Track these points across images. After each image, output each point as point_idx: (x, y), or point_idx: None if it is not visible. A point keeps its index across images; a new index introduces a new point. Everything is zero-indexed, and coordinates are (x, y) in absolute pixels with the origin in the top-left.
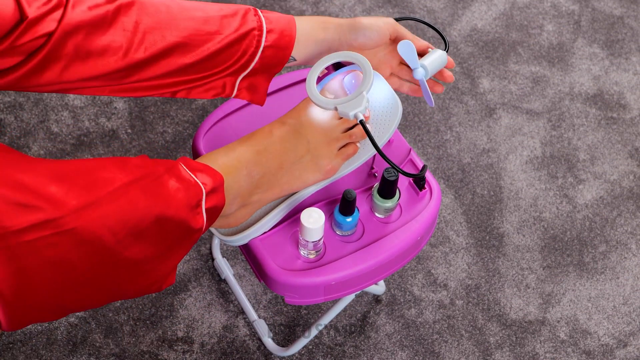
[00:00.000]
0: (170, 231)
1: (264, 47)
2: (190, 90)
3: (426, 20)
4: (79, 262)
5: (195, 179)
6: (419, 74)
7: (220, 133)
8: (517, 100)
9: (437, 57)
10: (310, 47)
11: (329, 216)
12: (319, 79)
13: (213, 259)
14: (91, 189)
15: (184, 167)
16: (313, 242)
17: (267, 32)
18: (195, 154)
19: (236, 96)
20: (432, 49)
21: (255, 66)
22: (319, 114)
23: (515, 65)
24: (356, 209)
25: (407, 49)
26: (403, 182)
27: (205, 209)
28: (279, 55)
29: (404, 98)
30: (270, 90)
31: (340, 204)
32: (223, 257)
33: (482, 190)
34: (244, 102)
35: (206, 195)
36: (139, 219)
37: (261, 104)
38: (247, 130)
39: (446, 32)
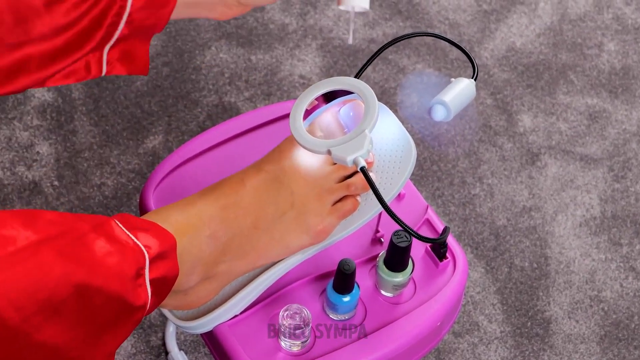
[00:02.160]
0: (99, 307)
1: (130, 13)
2: (43, 80)
3: (448, 37)
4: None
5: (135, 240)
6: (439, 114)
7: (177, 185)
8: (569, 143)
9: (462, 90)
10: None
11: (320, 294)
12: (307, 113)
13: (167, 353)
14: None
15: (120, 225)
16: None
17: None
18: (143, 211)
19: (108, 72)
20: (453, 78)
21: (122, 33)
22: (307, 159)
23: (566, 97)
24: (356, 285)
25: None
26: (418, 250)
27: (151, 281)
28: (155, 16)
29: (419, 139)
30: (242, 127)
31: (335, 278)
32: (180, 349)
33: (522, 261)
34: (207, 144)
35: (151, 261)
36: (53, 290)
37: (144, 72)
38: (213, 180)
39: (474, 52)
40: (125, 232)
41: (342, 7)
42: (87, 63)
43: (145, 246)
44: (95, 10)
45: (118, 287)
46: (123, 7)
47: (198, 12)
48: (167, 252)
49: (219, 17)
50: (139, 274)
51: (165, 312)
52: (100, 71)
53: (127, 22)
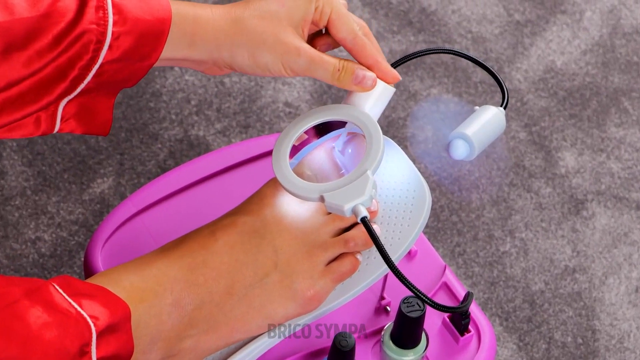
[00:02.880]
0: None
1: (101, 64)
2: None
3: (471, 54)
4: None
5: (79, 309)
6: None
7: (131, 240)
8: (622, 188)
9: (488, 121)
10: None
11: None
12: (294, 150)
13: None
14: None
15: (60, 290)
16: None
17: (115, 36)
18: (89, 273)
19: (61, 130)
20: (477, 107)
21: (87, 86)
22: (294, 207)
23: (619, 130)
24: None
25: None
26: (433, 322)
27: (98, 359)
28: (130, 69)
29: (435, 182)
30: (212, 168)
31: (330, 357)
32: None
33: (564, 335)
34: (169, 189)
35: (98, 336)
36: None
37: (104, 133)
38: (176, 233)
39: (504, 74)
40: (67, 299)
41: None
42: (37, 117)
43: (91, 317)
44: (62, 59)
45: None
46: (95, 58)
47: (181, 64)
48: (119, 324)
49: (207, 73)
50: (84, 351)
51: None
52: (52, 128)
53: (95, 75)
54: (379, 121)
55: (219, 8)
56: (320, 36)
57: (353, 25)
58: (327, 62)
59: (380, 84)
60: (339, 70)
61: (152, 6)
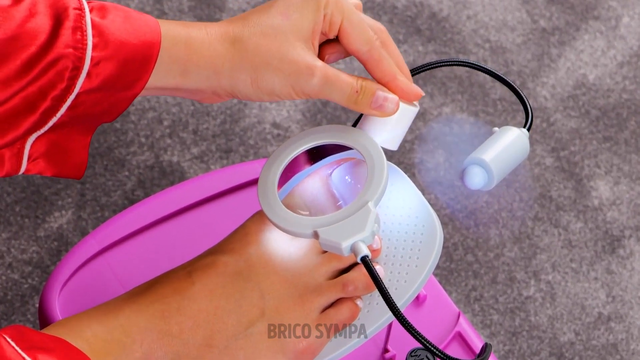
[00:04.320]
0: None
1: (78, 94)
2: None
3: (489, 67)
4: None
5: None
6: (476, 180)
7: (94, 283)
8: None
9: (510, 145)
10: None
11: None
12: (284, 178)
13: None
14: None
15: (11, 343)
16: None
17: (94, 62)
18: (45, 321)
19: (28, 171)
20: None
21: (61, 119)
22: (284, 245)
23: None
24: None
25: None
26: None
27: None
28: (110, 101)
29: (448, 216)
30: (189, 199)
31: None
32: None
33: None
34: (138, 223)
35: None
36: None
37: (77, 176)
38: (146, 275)
39: (528, 90)
40: (20, 354)
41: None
42: (0, 156)
43: None
44: (31, 89)
45: None
46: (70, 87)
47: (173, 94)
48: None
49: (203, 101)
50: None
51: None
52: (17, 169)
53: (70, 107)
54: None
55: (214, 27)
56: (329, 44)
57: (368, 35)
58: (343, 82)
59: (400, 105)
60: (357, 92)
61: (138, 27)
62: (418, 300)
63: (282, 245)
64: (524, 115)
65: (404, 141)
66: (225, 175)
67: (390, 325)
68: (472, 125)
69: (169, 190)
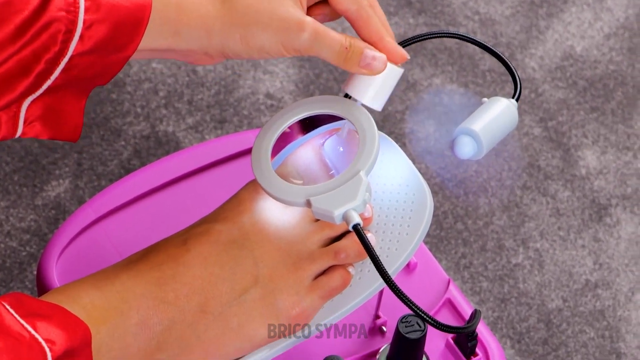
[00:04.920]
0: None
1: (71, 57)
2: None
3: (478, 38)
4: None
5: (32, 331)
6: (466, 150)
7: (91, 251)
8: None
9: (499, 115)
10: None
11: None
12: (278, 147)
13: None
14: None
15: (10, 310)
16: None
17: (87, 24)
18: (42, 288)
19: (24, 134)
20: (486, 99)
21: (54, 83)
22: (277, 214)
23: None
24: None
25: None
26: (436, 343)
27: None
28: (103, 63)
29: (438, 185)
30: (184, 169)
31: None
32: None
33: None
34: (134, 192)
35: None
36: None
37: (73, 139)
38: (142, 243)
39: (516, 61)
40: (19, 321)
41: (348, 91)
42: None
43: (47, 341)
44: (25, 52)
45: None
46: (64, 50)
47: (165, 56)
48: (78, 349)
49: (195, 63)
50: None
51: None
52: (14, 132)
53: (64, 69)
54: (373, 115)
55: None
56: (317, 5)
57: None
58: (333, 38)
59: (388, 65)
60: (346, 49)
61: None
62: (409, 268)
63: (275, 213)
64: (513, 86)
65: (395, 111)
66: (219, 145)
67: (381, 292)
68: (462, 96)
69: (165, 160)
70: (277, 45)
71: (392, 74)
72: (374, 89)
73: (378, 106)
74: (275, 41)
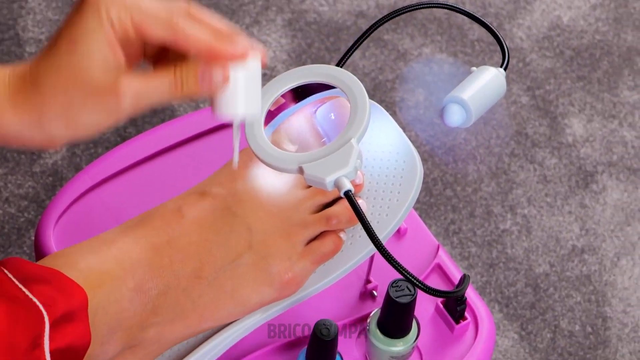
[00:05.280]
0: None
1: None
2: None
3: (467, 9)
4: None
5: (30, 295)
6: (455, 118)
7: (88, 217)
8: (636, 158)
9: (487, 84)
10: None
11: None
12: (270, 116)
13: None
14: None
15: (8, 275)
16: None
17: None
18: (40, 253)
19: None
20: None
21: None
22: (270, 181)
23: (633, 93)
24: (338, 357)
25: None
26: (425, 308)
27: (52, 352)
28: None
29: (427, 152)
30: (178, 136)
31: (309, 347)
32: None
33: (572, 323)
34: (130, 159)
35: (52, 326)
36: None
37: None
38: (138, 209)
39: (504, 31)
40: (17, 285)
41: (219, 116)
42: None
43: (44, 304)
44: None
45: None
46: None
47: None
48: (75, 313)
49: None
50: (36, 343)
51: None
52: None
53: None
54: (365, 83)
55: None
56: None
57: (163, 17)
58: (157, 84)
59: (232, 68)
60: (177, 85)
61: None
62: (399, 233)
63: (269, 180)
64: (501, 56)
65: (386, 80)
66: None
67: (372, 258)
68: (451, 65)
69: (160, 128)
70: (108, 120)
71: (243, 73)
72: (237, 98)
73: (256, 109)
74: (103, 117)
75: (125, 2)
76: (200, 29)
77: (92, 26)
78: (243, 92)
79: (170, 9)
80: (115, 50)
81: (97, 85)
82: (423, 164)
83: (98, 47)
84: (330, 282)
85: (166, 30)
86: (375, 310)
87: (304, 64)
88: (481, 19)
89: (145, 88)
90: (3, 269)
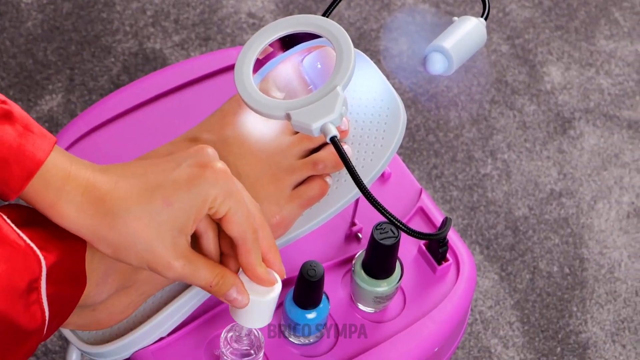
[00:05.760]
0: None
1: None
2: None
3: None
4: None
5: (27, 240)
6: (437, 66)
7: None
8: (612, 105)
9: (468, 33)
10: None
11: (276, 310)
12: (258, 64)
13: None
14: None
15: (7, 220)
16: (247, 335)
17: None
18: None
19: None
20: (456, 18)
21: None
22: (258, 127)
23: (609, 42)
24: (324, 297)
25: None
26: (408, 249)
27: (48, 296)
28: None
29: (410, 99)
30: (170, 84)
31: (296, 287)
32: None
33: (550, 265)
34: (123, 106)
35: (49, 270)
36: None
37: None
38: (130, 154)
39: None
40: (14, 230)
41: (233, 317)
42: None
43: (41, 249)
44: None
45: (4, 305)
46: None
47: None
48: (71, 257)
49: None
50: (33, 287)
51: (67, 333)
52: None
53: None
54: (350, 32)
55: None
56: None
57: (244, 228)
58: (200, 277)
59: (252, 299)
60: (211, 286)
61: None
62: (383, 178)
63: (257, 126)
64: (482, 6)
65: (370, 29)
66: (204, 62)
67: (357, 201)
68: (433, 15)
69: (152, 76)
70: (145, 267)
71: (260, 304)
72: (248, 316)
73: (261, 324)
74: (143, 265)
75: (231, 201)
76: (258, 249)
77: (194, 202)
78: (256, 315)
79: (250, 224)
80: (193, 226)
81: (159, 249)
82: (406, 111)
83: (186, 217)
84: (317, 225)
85: (239, 236)
86: (360, 252)
87: (291, 14)
88: None
89: (189, 276)
90: (1, 214)
